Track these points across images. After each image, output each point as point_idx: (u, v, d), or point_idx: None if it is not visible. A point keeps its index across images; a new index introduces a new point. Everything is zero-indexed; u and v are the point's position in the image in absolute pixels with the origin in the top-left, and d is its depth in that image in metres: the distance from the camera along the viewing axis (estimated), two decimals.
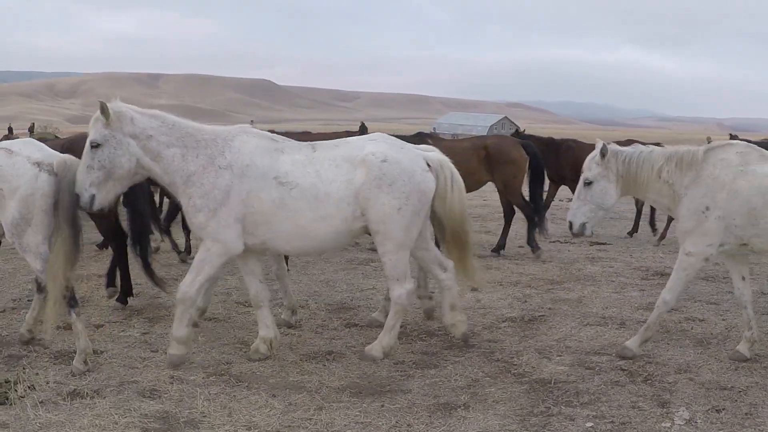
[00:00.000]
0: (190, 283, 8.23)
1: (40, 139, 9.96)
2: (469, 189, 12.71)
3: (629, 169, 8.54)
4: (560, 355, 8.88)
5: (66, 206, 8.06)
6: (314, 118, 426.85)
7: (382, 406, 7.33)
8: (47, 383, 7.92)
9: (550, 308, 10.78)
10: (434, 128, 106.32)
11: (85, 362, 8.28)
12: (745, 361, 8.63)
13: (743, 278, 8.84)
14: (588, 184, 8.67)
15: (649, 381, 8.04)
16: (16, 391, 7.64)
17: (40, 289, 9.01)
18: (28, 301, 10.97)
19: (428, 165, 8.50)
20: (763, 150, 8.59)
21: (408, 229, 8.27)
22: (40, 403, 7.37)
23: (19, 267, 12.01)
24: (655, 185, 8.55)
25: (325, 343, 9.27)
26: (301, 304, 10.93)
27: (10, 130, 32.49)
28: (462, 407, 7.31)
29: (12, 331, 9.81)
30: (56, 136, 23.26)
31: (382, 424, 6.93)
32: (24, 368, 8.37)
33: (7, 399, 7.49)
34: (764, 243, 8.30)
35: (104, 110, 7.98)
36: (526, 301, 11.16)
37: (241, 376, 8.10)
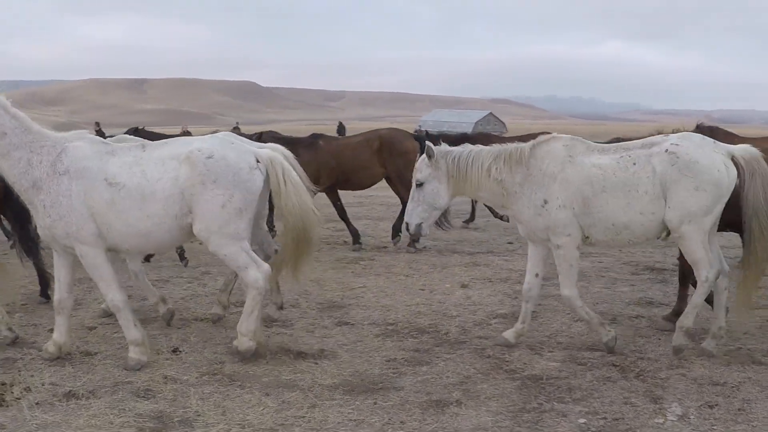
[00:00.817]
0: (60, 289, 8.70)
1: None
2: (364, 184, 12.71)
3: (459, 168, 8.70)
4: (551, 351, 8.92)
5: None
6: (301, 119, 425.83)
7: (375, 403, 7.37)
8: (42, 385, 7.94)
9: (540, 304, 10.73)
10: (420, 125, 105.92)
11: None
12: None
13: (537, 275, 9.11)
14: (419, 185, 8.82)
15: (641, 377, 8.08)
16: (12, 392, 7.70)
17: None
18: (22, 305, 11.06)
19: (257, 162, 8.44)
20: (589, 142, 8.94)
21: (235, 224, 8.20)
22: (36, 404, 7.41)
23: (12, 271, 11.99)
24: (486, 184, 8.70)
25: (317, 342, 9.30)
26: (292, 303, 11.03)
27: None
28: (454, 404, 7.34)
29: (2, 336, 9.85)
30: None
31: (375, 422, 6.97)
32: (19, 370, 8.42)
33: (4, 401, 7.53)
34: (601, 233, 8.60)
35: None
36: (516, 298, 11.18)
37: (234, 375, 8.13)
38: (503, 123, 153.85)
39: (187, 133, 34.80)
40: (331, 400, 7.46)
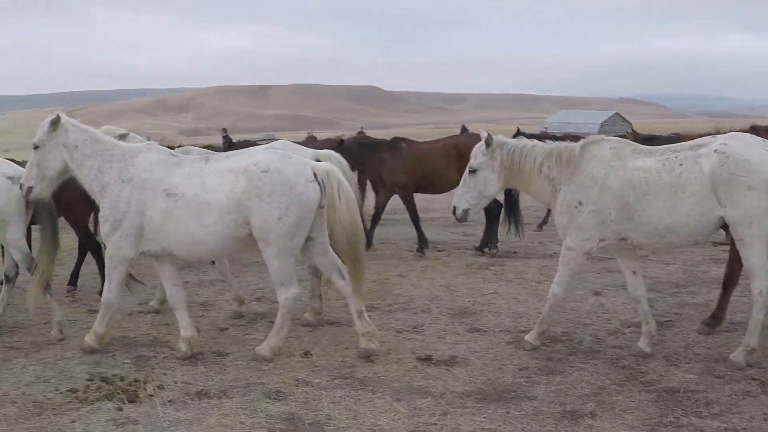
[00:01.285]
0: (108, 288, 9.17)
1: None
2: (441, 189, 12.50)
3: (513, 160, 8.83)
4: (688, 363, 8.59)
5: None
6: (422, 122, 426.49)
7: (508, 412, 7.23)
8: (175, 383, 8.10)
9: (676, 313, 10.50)
10: (545, 127, 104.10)
11: (60, 331, 9.96)
12: (645, 356, 8.76)
13: (634, 273, 9.05)
14: (473, 172, 8.98)
15: None
16: (145, 389, 7.89)
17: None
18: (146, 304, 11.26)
19: (315, 175, 8.62)
20: (637, 145, 8.90)
21: (289, 237, 8.45)
22: (168, 401, 7.56)
23: (144, 272, 12.25)
24: (537, 180, 8.81)
25: (449, 348, 9.19)
26: (423, 309, 10.96)
27: None
28: (588, 416, 7.15)
29: (140, 333, 10.08)
30: (170, 147, 23.86)
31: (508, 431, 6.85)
32: (152, 368, 8.61)
33: (137, 397, 7.72)
34: (641, 236, 8.45)
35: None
36: (650, 306, 10.88)
37: (366, 379, 8.10)
38: (629, 123, 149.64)
39: (312, 139, 35.11)
40: (463, 408, 7.35)
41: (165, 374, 8.38)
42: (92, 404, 7.64)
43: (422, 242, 15.78)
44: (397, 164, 15.73)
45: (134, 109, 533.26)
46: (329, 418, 7.11)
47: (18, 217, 10.03)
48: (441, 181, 15.50)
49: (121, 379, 8.27)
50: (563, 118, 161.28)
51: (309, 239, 8.78)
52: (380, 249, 16.11)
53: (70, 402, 7.74)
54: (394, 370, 8.37)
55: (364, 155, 16.16)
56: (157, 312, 11.20)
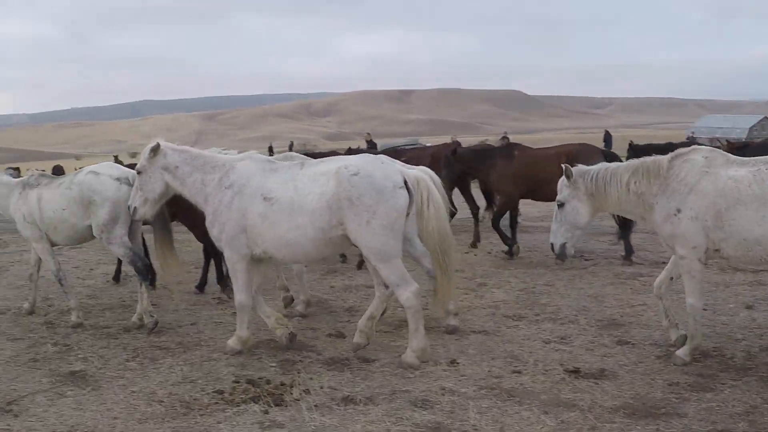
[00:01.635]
0: (237, 291, 9.67)
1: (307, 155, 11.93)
2: (550, 197, 12.36)
3: (597, 185, 8.92)
4: None
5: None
6: (566, 127, 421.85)
7: (657, 429, 7.05)
8: (321, 388, 8.20)
9: None
10: (692, 132, 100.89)
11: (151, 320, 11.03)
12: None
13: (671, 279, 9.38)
14: (560, 205, 9.14)
15: None
16: (291, 393, 8.02)
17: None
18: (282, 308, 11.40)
19: (405, 182, 8.76)
20: (730, 155, 8.83)
21: (381, 241, 8.60)
22: (314, 406, 7.66)
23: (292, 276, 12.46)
24: (626, 198, 8.83)
25: (597, 361, 9.01)
26: (570, 319, 10.81)
27: (270, 148, 34.11)
28: None
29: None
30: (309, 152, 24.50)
31: None
32: (299, 372, 8.75)
33: (283, 401, 7.86)
34: (731, 248, 8.37)
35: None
36: None
37: (513, 390, 8.02)
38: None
39: (456, 143, 35.03)
40: (611, 423, 7.19)
41: (311, 378, 8.49)
42: (238, 406, 7.82)
43: (511, 246, 16.32)
44: (507, 171, 15.87)
45: (278, 114, 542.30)
46: (476, 429, 7.08)
47: (125, 216, 10.91)
48: (549, 189, 15.49)
49: (267, 382, 8.44)
50: (709, 122, 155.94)
51: None
52: (526, 257, 15.98)
53: (216, 403, 7.95)
54: (541, 382, 8.27)
55: (477, 162, 16.49)
56: (303, 316, 11.39)
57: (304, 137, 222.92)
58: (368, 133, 37.21)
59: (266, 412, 7.61)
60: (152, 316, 11.02)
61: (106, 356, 9.87)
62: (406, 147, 28.80)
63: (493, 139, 51.59)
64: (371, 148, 32.26)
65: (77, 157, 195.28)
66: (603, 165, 9.14)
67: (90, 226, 11.28)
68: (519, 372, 8.55)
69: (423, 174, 9.10)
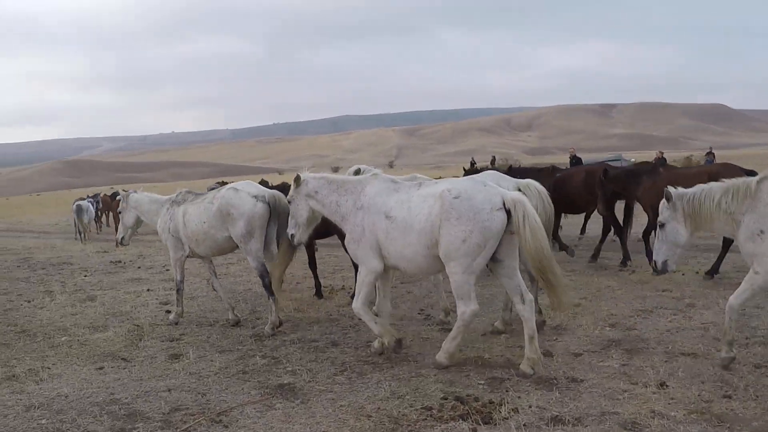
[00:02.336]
0: (357, 298, 10.63)
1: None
2: None
3: (693, 207, 9.50)
4: None
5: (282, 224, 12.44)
6: None
7: None
8: (530, 407, 8.16)
9: None
10: None
11: (273, 328, 12.49)
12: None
13: None
14: (661, 226, 9.75)
15: None
16: (499, 412, 8.00)
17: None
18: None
19: (503, 204, 9.42)
20: None
21: (472, 257, 9.36)
22: (523, 425, 7.62)
23: (496, 293, 12.47)
24: (718, 216, 9.34)
25: None
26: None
27: (473, 162, 34.28)
28: None
29: (494, 354, 10.30)
30: (510, 167, 24.43)
31: None
32: (507, 390, 8.74)
33: (491, 419, 7.86)
34: None
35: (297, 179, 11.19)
36: None
37: (723, 415, 7.78)
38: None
39: (662, 160, 34.30)
40: None
41: (519, 397, 8.47)
42: (447, 423, 7.86)
43: (625, 257, 17.34)
44: (654, 188, 15.86)
45: (479, 128, 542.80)
46: None
47: (259, 231, 12.49)
48: None
49: (476, 399, 8.47)
50: None
51: (497, 261, 9.73)
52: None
53: (425, 419, 8.02)
54: (752, 408, 7.97)
55: (627, 181, 16.94)
56: (500, 333, 11.41)
57: (505, 152, 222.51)
58: (572, 149, 36.84)
59: (474, 430, 7.65)
60: (274, 329, 12.46)
61: (314, 370, 10.15)
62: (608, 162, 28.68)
63: (698, 155, 50.28)
64: (576, 163, 31.99)
65: (280, 172, 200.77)
66: (699, 187, 9.64)
67: (229, 237, 12.71)
68: (729, 397, 8.30)
69: (522, 196, 9.68)
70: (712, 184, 9.59)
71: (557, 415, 7.84)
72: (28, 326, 14.30)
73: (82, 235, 35.19)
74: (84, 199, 40.25)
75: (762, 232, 8.86)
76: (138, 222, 14.82)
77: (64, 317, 15.02)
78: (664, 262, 9.76)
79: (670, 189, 9.71)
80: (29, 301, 17.41)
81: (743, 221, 9.06)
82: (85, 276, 21.62)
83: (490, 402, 8.31)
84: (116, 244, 15.94)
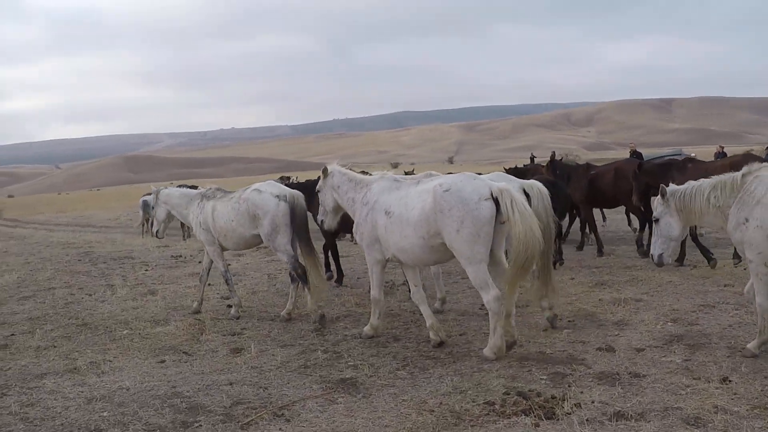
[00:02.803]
0: (372, 287, 11.76)
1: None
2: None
3: (684, 202, 10.09)
4: None
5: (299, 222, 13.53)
6: None
7: None
8: (592, 402, 8.10)
9: None
10: None
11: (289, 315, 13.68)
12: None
13: None
14: (656, 221, 10.40)
15: None
16: (562, 407, 7.95)
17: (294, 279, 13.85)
18: (569, 321, 11.32)
19: (491, 194, 9.96)
20: None
21: (470, 246, 9.91)
22: (586, 420, 7.56)
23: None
24: (708, 210, 9.89)
25: None
26: None
27: (532, 158, 34.17)
28: None
29: (556, 350, 10.26)
30: (576, 163, 24.44)
31: None
32: (569, 385, 8.70)
33: (554, 414, 7.82)
34: None
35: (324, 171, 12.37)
36: None
37: None
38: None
39: (722, 154, 33.91)
40: None
41: (582, 393, 8.42)
42: (509, 418, 7.83)
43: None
44: (680, 184, 15.66)
45: (537, 124, 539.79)
46: None
47: (285, 227, 13.32)
48: None
49: (538, 394, 8.42)
50: None
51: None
52: None
53: (487, 414, 8.00)
54: None
55: (660, 174, 16.98)
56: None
57: (565, 147, 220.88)
58: (632, 143, 36.47)
59: (537, 425, 7.60)
60: (319, 317, 13.10)
61: (376, 364, 10.19)
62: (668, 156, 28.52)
63: (759, 149, 49.51)
64: (636, 158, 31.79)
65: None
66: (690, 183, 10.23)
67: (256, 235, 13.71)
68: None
69: (506, 185, 10.38)
70: (702, 180, 10.15)
71: (620, 411, 7.77)
72: (90, 319, 14.58)
73: (144, 227, 35.71)
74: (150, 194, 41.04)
75: (747, 219, 9.32)
76: (170, 216, 15.51)
77: (125, 311, 15.27)
78: (660, 255, 10.36)
79: (664, 186, 10.36)
80: (90, 295, 17.73)
81: (731, 212, 9.56)
82: (146, 270, 21.92)
83: (553, 397, 8.27)
84: (151, 234, 16.99)
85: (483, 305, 12.80)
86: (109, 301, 16.55)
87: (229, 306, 14.72)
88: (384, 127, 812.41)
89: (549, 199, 12.03)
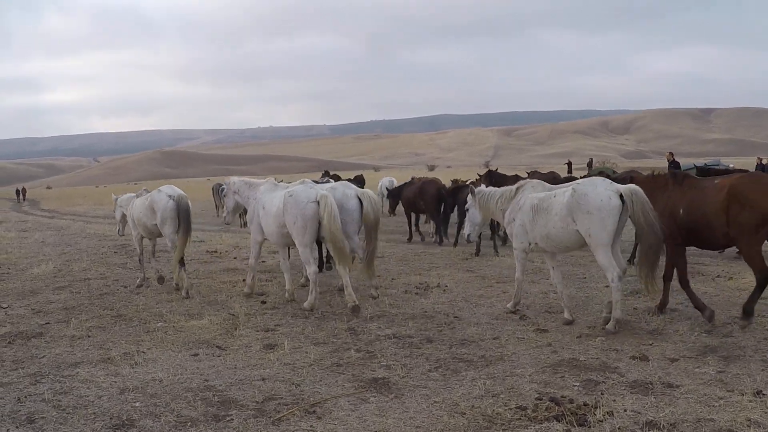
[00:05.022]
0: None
1: (600, 173, 15.42)
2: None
3: (481, 202, 14.03)
4: None
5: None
6: None
7: None
8: (625, 411, 8.07)
9: None
10: None
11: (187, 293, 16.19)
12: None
13: (553, 268, 13.09)
14: (467, 210, 14.54)
15: None
16: (594, 414, 7.92)
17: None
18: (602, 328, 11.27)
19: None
20: (545, 183, 13.28)
21: (302, 235, 14.16)
22: (618, 429, 7.54)
23: (592, 296, 12.36)
24: (495, 210, 13.71)
25: None
26: None
27: (569, 164, 34.13)
28: None
29: (589, 357, 10.23)
30: (614, 171, 24.32)
31: None
32: (602, 393, 8.65)
33: (586, 421, 7.78)
34: (544, 244, 12.52)
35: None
36: None
37: None
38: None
39: (761, 166, 33.68)
40: None
41: (614, 400, 8.38)
42: (541, 423, 7.82)
43: None
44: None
45: (575, 130, 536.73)
46: None
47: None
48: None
49: (570, 401, 8.39)
50: None
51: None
52: None
53: (519, 419, 7.98)
54: None
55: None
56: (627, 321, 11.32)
57: (602, 154, 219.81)
58: (670, 153, 36.27)
59: None
60: (351, 308, 14.00)
61: (409, 365, 10.18)
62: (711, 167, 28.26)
63: None
64: (674, 167, 31.57)
65: (376, 169, 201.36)
66: (490, 189, 14.10)
67: (155, 224, 16.68)
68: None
69: (325, 193, 14.29)
70: (495, 189, 14.01)
71: (652, 420, 7.73)
72: (124, 311, 14.74)
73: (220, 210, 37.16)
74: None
75: (513, 219, 12.96)
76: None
77: (160, 303, 15.42)
78: (468, 234, 14.54)
79: (473, 187, 14.46)
80: (125, 287, 17.98)
81: (506, 214, 13.17)
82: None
83: (585, 404, 8.23)
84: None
85: (517, 309, 12.85)
86: (144, 294, 16.75)
87: (263, 302, 14.88)
88: (421, 130, 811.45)
89: (376, 202, 15.56)
